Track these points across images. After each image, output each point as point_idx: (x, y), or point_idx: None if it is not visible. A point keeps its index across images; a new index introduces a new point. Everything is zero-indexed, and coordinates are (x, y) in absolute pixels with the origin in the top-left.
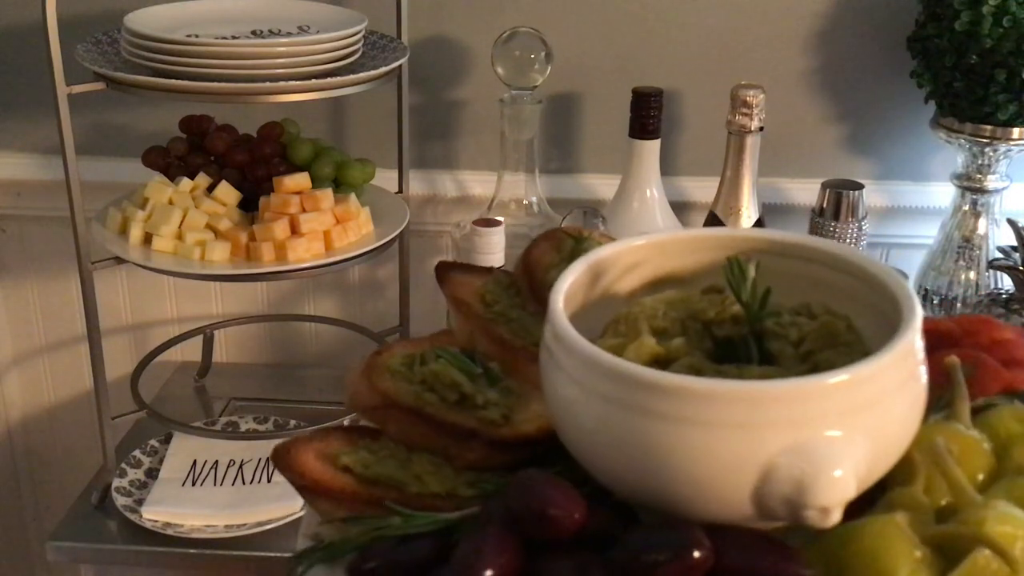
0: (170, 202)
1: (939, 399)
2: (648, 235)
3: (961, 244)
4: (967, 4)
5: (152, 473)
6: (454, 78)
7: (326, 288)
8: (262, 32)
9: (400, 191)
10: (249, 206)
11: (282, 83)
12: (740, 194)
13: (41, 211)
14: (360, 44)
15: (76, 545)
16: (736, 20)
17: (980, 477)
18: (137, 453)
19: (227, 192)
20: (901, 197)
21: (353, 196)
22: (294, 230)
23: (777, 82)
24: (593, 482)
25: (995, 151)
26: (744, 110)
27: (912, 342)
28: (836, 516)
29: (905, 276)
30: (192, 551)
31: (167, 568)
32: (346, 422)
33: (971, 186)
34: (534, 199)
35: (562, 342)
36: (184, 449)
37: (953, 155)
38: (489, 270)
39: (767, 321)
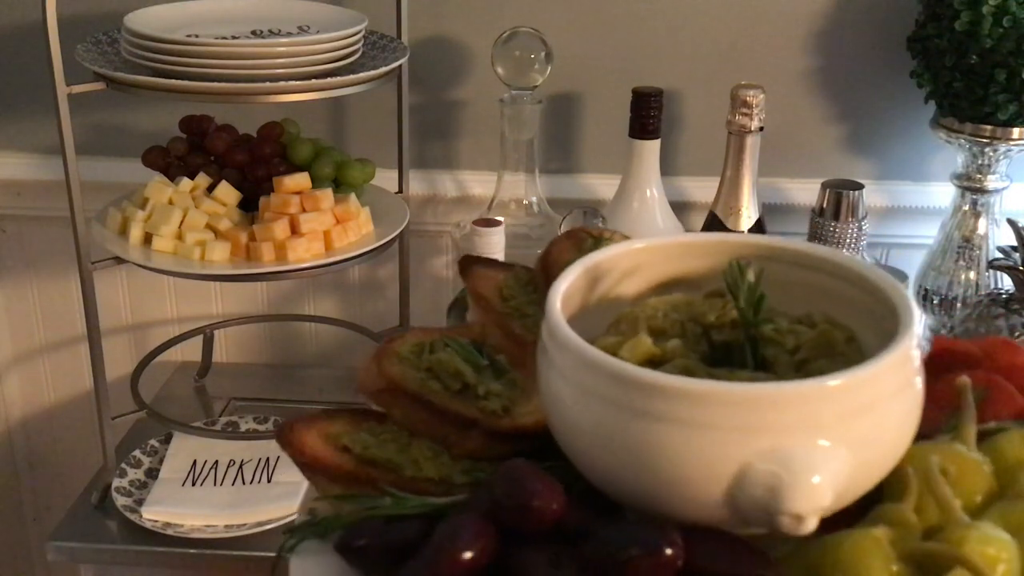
0: (170, 202)
1: (949, 420)
2: (649, 239)
3: (961, 244)
4: (967, 4)
5: (152, 473)
6: (454, 78)
7: (326, 288)
8: (262, 32)
9: (400, 191)
10: (249, 206)
11: (282, 83)
12: (740, 194)
13: (41, 211)
14: (360, 44)
15: (76, 545)
16: (736, 20)
17: (978, 499)
18: (137, 453)
19: (227, 192)
20: (901, 197)
21: (353, 196)
22: (294, 230)
23: (777, 82)
24: (584, 480)
25: (995, 151)
26: (744, 110)
27: (902, 355)
28: (810, 524)
29: (905, 276)
30: (192, 551)
31: (167, 568)
32: None
33: (971, 186)
34: (534, 199)
35: (554, 336)
36: (184, 449)
37: (953, 155)
38: (511, 266)
39: (765, 328)
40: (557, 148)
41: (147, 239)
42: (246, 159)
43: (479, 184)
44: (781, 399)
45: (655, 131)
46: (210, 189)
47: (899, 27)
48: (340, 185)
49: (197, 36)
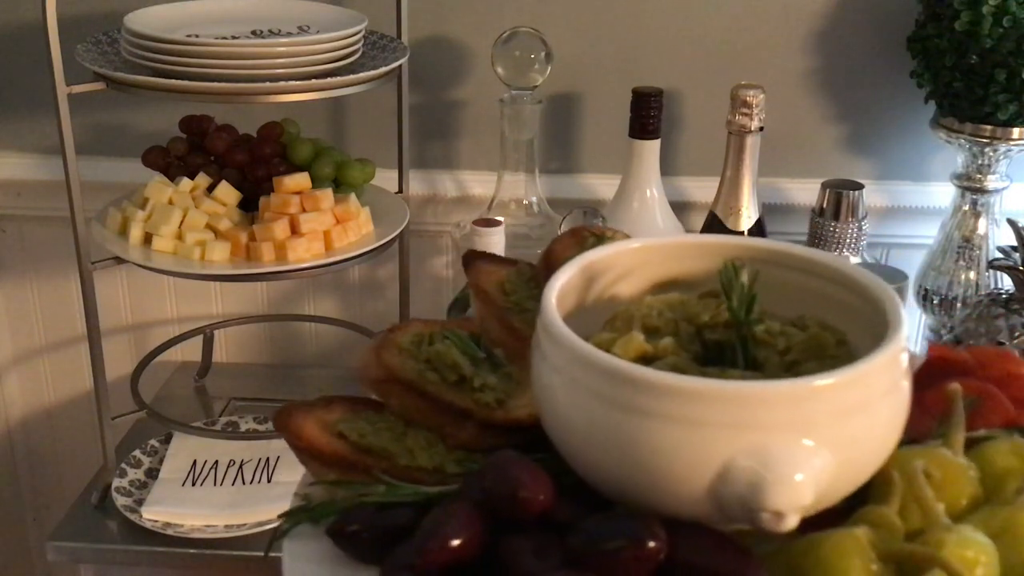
0: (170, 202)
1: (940, 426)
2: (645, 239)
3: (961, 244)
4: (967, 4)
5: (152, 473)
6: (454, 78)
7: (326, 288)
8: (262, 32)
9: (400, 191)
10: (249, 206)
11: (282, 83)
12: (740, 194)
13: (41, 211)
14: (360, 44)
15: (76, 545)
16: (736, 20)
17: (962, 504)
18: (137, 453)
19: (227, 192)
20: (901, 197)
21: (353, 196)
22: (294, 230)
23: (777, 82)
24: (574, 472)
25: (995, 151)
26: (744, 110)
27: (889, 359)
28: (791, 522)
29: (905, 276)
30: (192, 551)
31: (167, 568)
32: None
33: (971, 186)
34: (534, 199)
35: (547, 330)
36: (184, 449)
37: (953, 155)
38: (514, 262)
39: (757, 329)
40: (557, 148)
41: (147, 239)
42: (246, 159)
43: (479, 184)
44: (765, 398)
45: (655, 131)
46: (210, 189)
47: (899, 27)
48: (340, 185)
49: (197, 36)
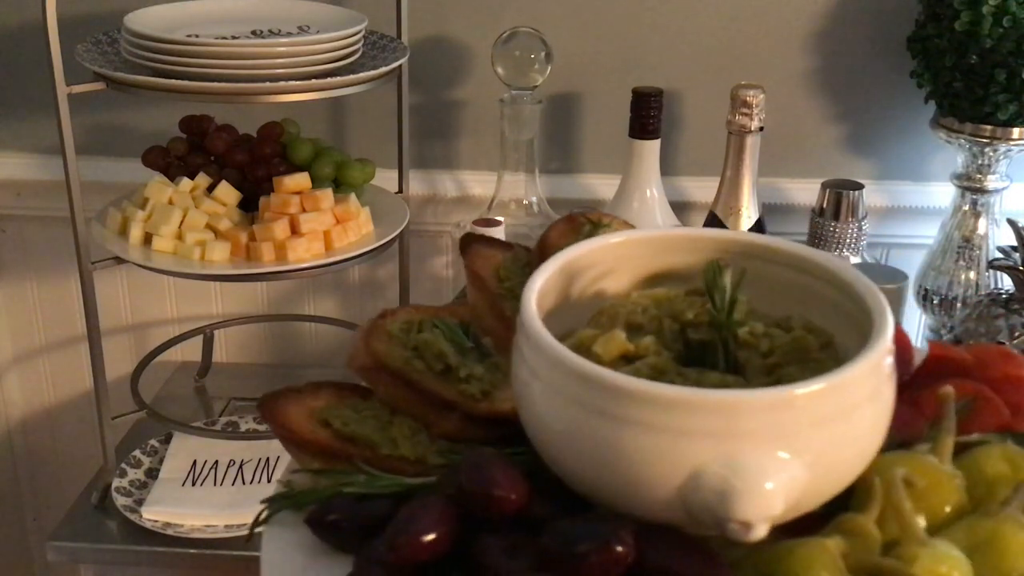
0: (170, 202)
1: (930, 430)
2: (627, 233)
3: (961, 244)
4: (967, 4)
5: (152, 473)
6: (454, 78)
7: (326, 288)
8: (262, 32)
9: (400, 191)
10: (249, 206)
11: (282, 83)
12: (740, 194)
13: (41, 211)
14: (360, 44)
15: (76, 545)
16: (736, 20)
17: (946, 513)
18: (137, 453)
19: (227, 192)
20: (901, 197)
21: (353, 196)
22: (294, 230)
23: (777, 82)
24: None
25: (995, 151)
26: (744, 110)
27: (866, 369)
28: (759, 532)
29: (905, 276)
30: (192, 551)
31: (167, 568)
32: None
33: (971, 186)
34: (534, 199)
35: (524, 329)
36: (184, 449)
37: (953, 155)
38: (511, 246)
39: (740, 330)
40: (557, 148)
41: (147, 239)
42: (246, 159)
43: (479, 184)
44: (734, 406)
45: (655, 131)
46: (210, 189)
47: (899, 27)
48: (340, 185)
49: (197, 36)
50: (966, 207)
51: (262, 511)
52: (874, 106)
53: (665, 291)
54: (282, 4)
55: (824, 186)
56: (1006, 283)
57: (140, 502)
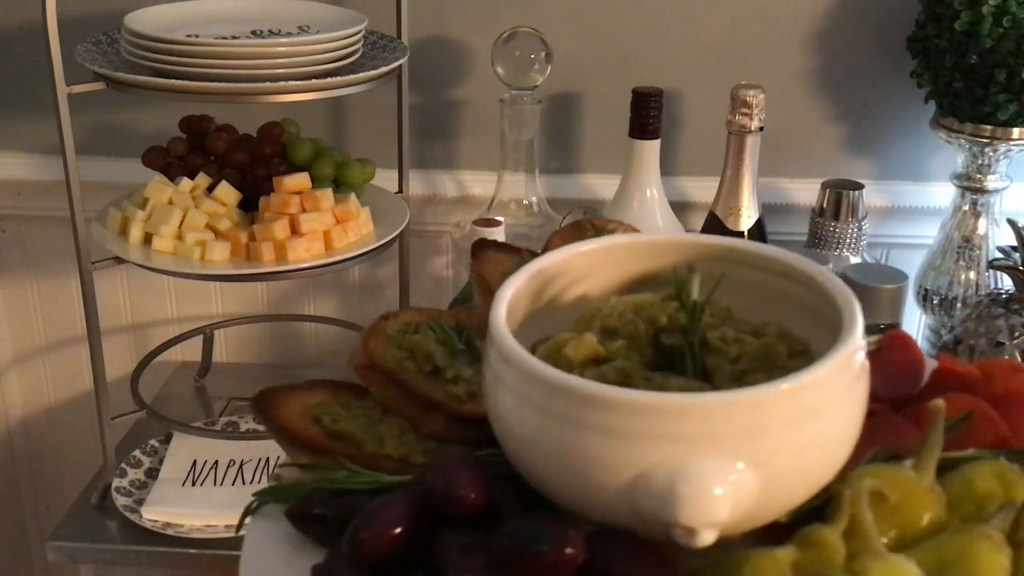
0: (170, 202)
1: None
2: (599, 240)
3: (961, 244)
4: (967, 4)
5: (152, 473)
6: (454, 78)
7: (326, 288)
8: (262, 32)
9: (400, 191)
10: (249, 206)
11: (282, 83)
12: (740, 194)
13: (41, 211)
14: (360, 44)
15: (76, 545)
16: (736, 20)
17: (920, 529)
18: (137, 453)
19: (227, 192)
20: (901, 197)
21: (353, 196)
22: (294, 230)
23: (777, 82)
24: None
25: (995, 151)
26: (744, 110)
27: (820, 378)
28: (704, 538)
29: (905, 276)
30: (192, 551)
31: (167, 568)
32: None
33: (971, 186)
34: (534, 199)
35: (490, 330)
36: (184, 449)
37: (953, 155)
38: (520, 251)
39: (710, 335)
40: (557, 148)
41: (147, 239)
42: (246, 159)
43: (479, 184)
44: (679, 410)
45: (655, 131)
46: (210, 189)
47: (899, 27)
48: (340, 185)
49: (197, 36)
50: (966, 207)
51: (251, 503)
52: (874, 106)
53: (647, 296)
54: (282, 4)
55: (824, 186)
56: (1006, 283)
57: (140, 502)
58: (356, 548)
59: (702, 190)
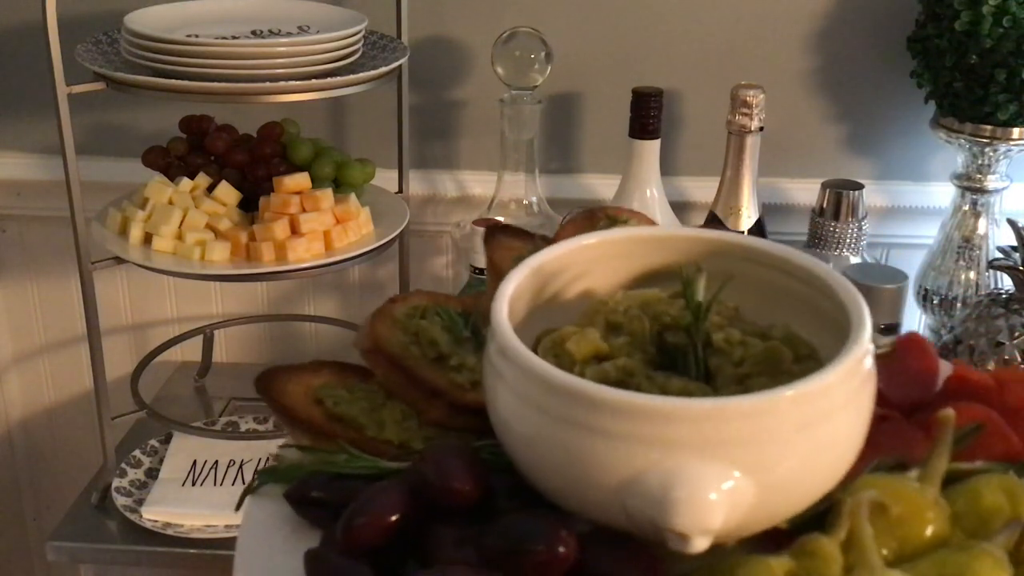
0: (170, 202)
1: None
2: (602, 234)
3: (961, 244)
4: (967, 4)
5: (152, 473)
6: (454, 78)
7: (326, 288)
8: (262, 32)
9: (400, 191)
10: (249, 206)
11: (282, 83)
12: (740, 194)
13: (41, 211)
14: (360, 44)
15: (76, 545)
16: (736, 20)
17: (923, 541)
18: (137, 453)
19: (227, 192)
20: (901, 197)
21: (353, 196)
22: (294, 230)
23: (777, 82)
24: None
25: (995, 151)
26: (744, 110)
27: (821, 387)
28: (697, 544)
29: (905, 276)
30: (192, 551)
31: (167, 568)
32: None
33: (971, 186)
34: (534, 199)
35: (491, 322)
36: (184, 449)
37: (953, 155)
38: (532, 237)
39: (716, 336)
40: (557, 148)
41: (147, 239)
42: (246, 159)
43: (479, 184)
44: (673, 414)
45: (655, 131)
46: (210, 189)
47: (899, 27)
48: (340, 185)
49: (197, 36)
50: (966, 207)
51: (251, 482)
52: (874, 106)
53: (654, 292)
54: (282, 4)
55: (824, 186)
56: (1006, 283)
57: (140, 502)
58: (350, 535)
59: (702, 190)
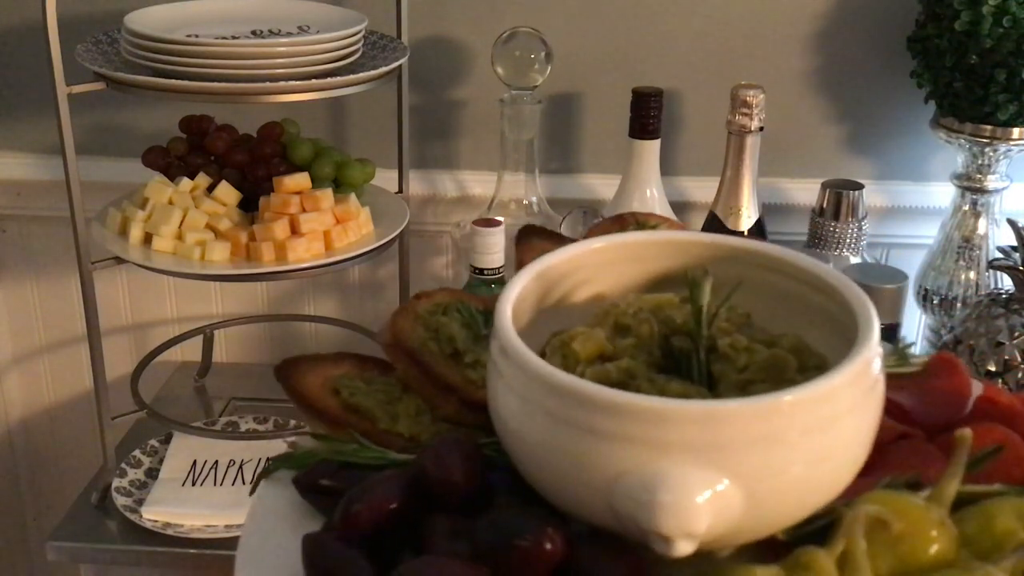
0: (170, 202)
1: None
2: (609, 238)
3: (961, 244)
4: (967, 4)
5: (152, 473)
6: (454, 78)
7: (326, 288)
8: (262, 32)
9: (400, 191)
10: (249, 206)
11: (282, 83)
12: (740, 194)
13: (41, 211)
14: (360, 44)
15: (76, 545)
16: (736, 20)
17: (926, 560)
18: (137, 453)
19: (227, 192)
20: (901, 197)
21: (353, 196)
22: (294, 230)
23: (777, 82)
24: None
25: (995, 151)
26: (744, 110)
27: (819, 394)
28: (681, 548)
29: (905, 276)
30: (192, 551)
31: (167, 568)
32: None
33: (971, 186)
34: (534, 199)
35: (495, 323)
36: (184, 449)
37: (953, 155)
38: (563, 239)
39: (722, 342)
40: (557, 148)
41: (147, 239)
42: (246, 159)
43: (479, 184)
44: (661, 415)
45: (655, 131)
46: (210, 189)
47: (899, 27)
48: (340, 185)
49: (197, 36)
50: (966, 207)
51: (265, 467)
52: (874, 106)
53: (667, 296)
54: (282, 4)
55: (824, 186)
56: (1006, 283)
57: (140, 502)
58: (348, 521)
59: (702, 190)
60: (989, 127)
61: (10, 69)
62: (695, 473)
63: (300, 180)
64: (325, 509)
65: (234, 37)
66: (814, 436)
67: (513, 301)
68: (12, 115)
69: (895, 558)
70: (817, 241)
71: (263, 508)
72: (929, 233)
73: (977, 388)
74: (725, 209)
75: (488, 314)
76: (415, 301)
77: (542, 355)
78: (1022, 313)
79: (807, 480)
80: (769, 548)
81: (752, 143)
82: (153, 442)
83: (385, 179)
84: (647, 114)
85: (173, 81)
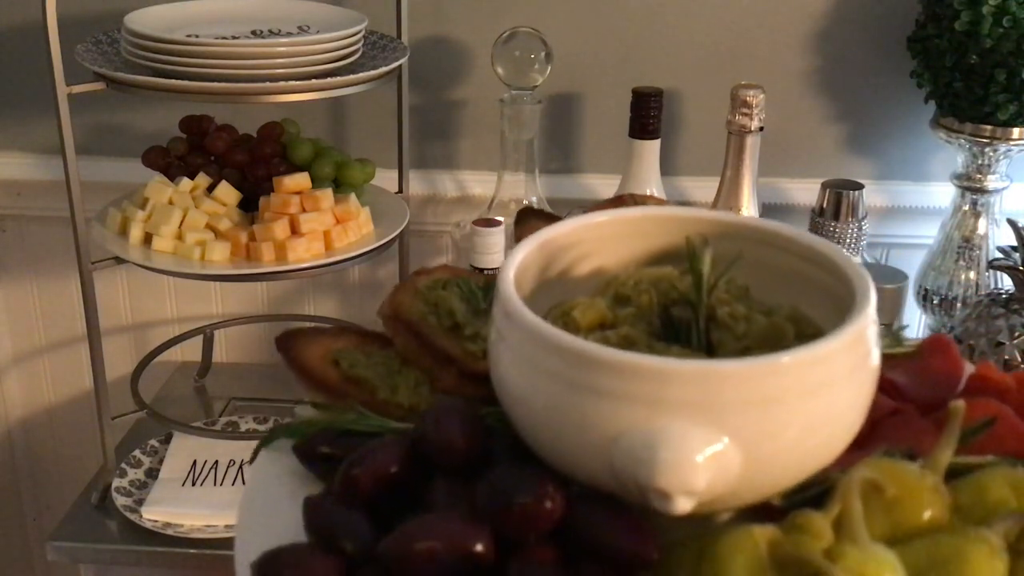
0: (170, 202)
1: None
2: (613, 212)
3: (961, 244)
4: (967, 4)
5: (152, 473)
6: (454, 78)
7: (326, 288)
8: (262, 32)
9: (400, 191)
10: (249, 206)
11: (282, 83)
12: (740, 194)
13: (41, 211)
14: (360, 44)
15: (76, 545)
16: (736, 20)
17: (919, 525)
18: (137, 453)
19: (227, 192)
20: (901, 197)
21: (353, 196)
22: (294, 230)
23: (777, 82)
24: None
25: (995, 151)
26: (744, 110)
27: (817, 355)
28: (680, 505)
29: (905, 276)
30: (192, 551)
31: (167, 568)
32: None
33: (971, 186)
34: (534, 199)
35: (497, 287)
36: (184, 449)
37: (953, 155)
38: (561, 219)
39: (721, 311)
40: (557, 148)
41: (147, 239)
42: (246, 159)
43: (479, 184)
44: (661, 374)
45: (655, 131)
46: (210, 189)
47: (899, 27)
48: (340, 185)
49: (197, 36)
50: (966, 207)
51: (266, 435)
52: (874, 106)
53: (667, 269)
54: (282, 4)
55: (824, 186)
56: (1006, 283)
57: (140, 502)
58: (348, 484)
59: (702, 190)
60: (989, 127)
61: (10, 69)
62: (695, 431)
63: (300, 180)
64: (325, 476)
65: (234, 37)
66: (811, 399)
67: (516, 268)
68: (12, 115)
69: (889, 522)
70: None
71: (263, 475)
72: (929, 233)
73: (969, 368)
74: (725, 209)
75: (487, 289)
76: (415, 277)
77: None
78: (1022, 313)
79: (804, 443)
80: (766, 515)
81: (752, 143)
82: (153, 442)
83: (385, 179)
84: (647, 114)
85: (173, 81)
